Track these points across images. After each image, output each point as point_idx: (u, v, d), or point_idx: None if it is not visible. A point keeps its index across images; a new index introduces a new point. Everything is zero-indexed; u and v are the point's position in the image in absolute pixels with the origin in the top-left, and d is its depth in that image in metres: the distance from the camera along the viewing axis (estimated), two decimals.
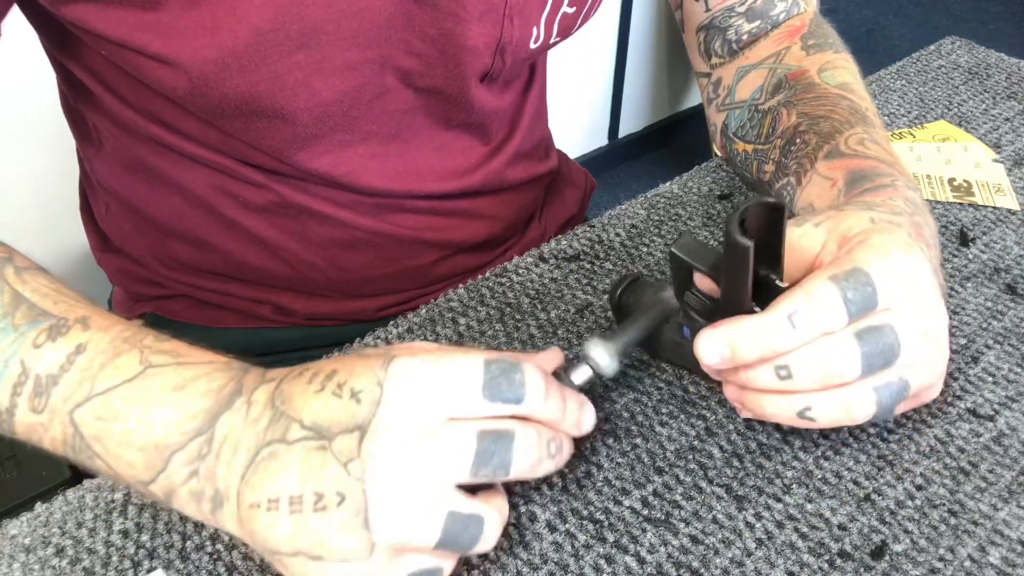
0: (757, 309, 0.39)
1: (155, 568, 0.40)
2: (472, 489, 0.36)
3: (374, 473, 0.33)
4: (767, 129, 0.59)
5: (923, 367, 0.40)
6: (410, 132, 0.58)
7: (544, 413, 0.36)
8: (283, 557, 0.34)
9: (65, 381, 0.36)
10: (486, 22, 0.53)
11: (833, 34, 0.64)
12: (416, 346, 0.36)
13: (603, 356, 0.42)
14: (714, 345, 0.38)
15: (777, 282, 0.40)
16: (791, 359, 0.38)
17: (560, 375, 0.42)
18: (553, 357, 0.44)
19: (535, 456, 0.36)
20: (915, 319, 0.39)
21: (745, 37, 0.64)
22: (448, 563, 0.36)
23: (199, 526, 0.41)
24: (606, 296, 0.55)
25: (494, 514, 0.36)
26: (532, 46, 0.57)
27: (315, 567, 0.33)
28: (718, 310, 0.41)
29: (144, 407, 0.35)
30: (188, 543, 0.41)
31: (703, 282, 0.43)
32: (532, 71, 0.67)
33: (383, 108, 0.55)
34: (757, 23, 0.64)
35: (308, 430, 0.34)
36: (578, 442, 0.45)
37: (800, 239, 0.42)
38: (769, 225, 0.38)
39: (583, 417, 0.39)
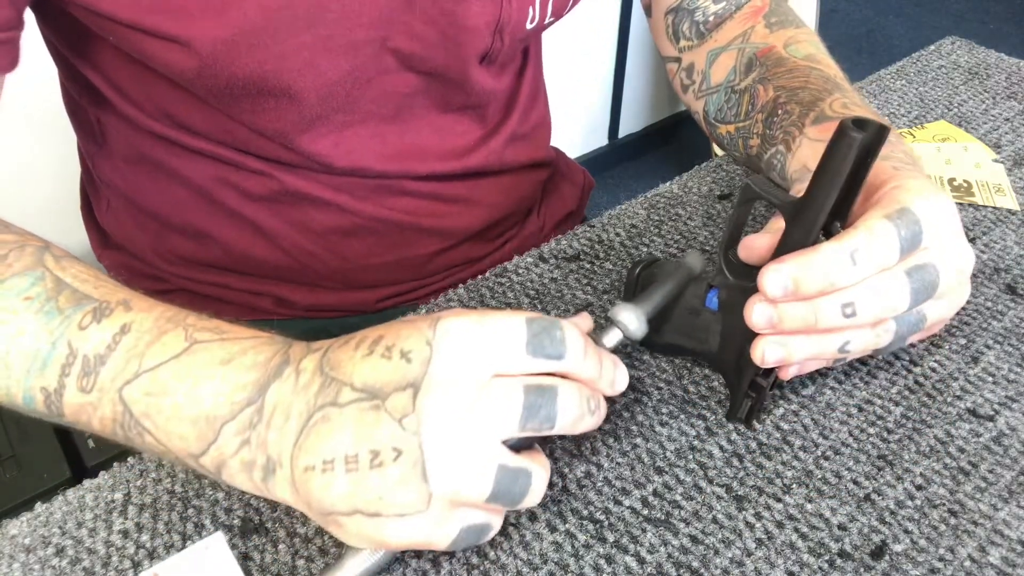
0: (823, 238, 0.41)
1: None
2: (515, 451, 0.36)
3: (429, 426, 0.33)
4: (746, 107, 0.61)
5: (947, 302, 0.44)
6: (410, 114, 0.59)
7: (583, 370, 0.37)
8: (339, 517, 0.34)
9: (112, 360, 0.37)
10: (485, 1, 0.54)
11: (792, 11, 0.66)
12: (460, 309, 0.37)
13: (631, 319, 0.43)
14: (779, 277, 0.40)
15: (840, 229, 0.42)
16: (856, 297, 0.40)
17: (592, 338, 0.42)
18: (583, 321, 0.44)
19: (577, 410, 0.36)
20: (951, 257, 0.42)
21: (712, 18, 0.66)
22: (497, 519, 0.37)
23: (199, 526, 0.41)
24: (606, 296, 0.55)
25: (540, 469, 0.37)
26: (528, 26, 0.58)
27: (371, 524, 0.34)
28: (776, 253, 0.42)
29: (193, 381, 0.36)
30: (188, 543, 0.41)
31: (747, 252, 0.44)
32: (525, 55, 0.68)
33: (383, 89, 0.56)
34: (723, 4, 0.66)
35: (360, 392, 0.34)
36: (578, 442, 0.45)
37: None
38: (860, 154, 0.39)
39: (618, 376, 0.39)
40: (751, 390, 0.44)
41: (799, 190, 0.45)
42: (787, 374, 0.45)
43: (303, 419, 0.35)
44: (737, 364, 0.45)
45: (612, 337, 0.43)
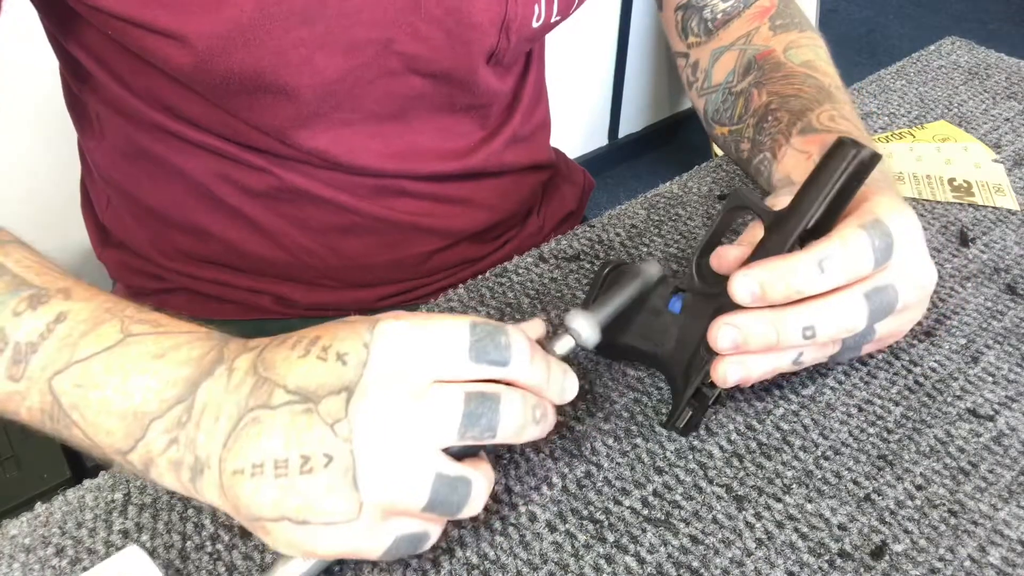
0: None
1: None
2: (457, 459, 0.35)
3: (362, 433, 0.32)
4: (740, 110, 0.62)
5: (903, 318, 0.44)
6: (414, 114, 0.59)
7: (529, 378, 0.36)
8: (267, 523, 0.33)
9: (44, 349, 0.36)
10: None
11: (800, 13, 0.66)
12: (401, 312, 0.36)
13: (584, 327, 0.42)
14: (748, 282, 0.40)
15: None
16: (816, 320, 0.40)
17: (543, 345, 0.41)
18: (535, 327, 0.43)
19: (520, 420, 0.35)
20: (913, 274, 0.42)
21: (720, 16, 0.66)
22: (435, 528, 0.36)
23: (199, 526, 0.41)
24: None
25: (481, 477, 0.35)
26: (534, 24, 0.58)
27: (300, 532, 0.33)
28: (748, 262, 0.42)
29: (123, 375, 0.35)
30: (188, 543, 0.41)
31: (719, 262, 0.44)
32: (528, 56, 0.68)
33: (387, 90, 0.56)
34: (732, 1, 0.66)
35: (293, 394, 0.33)
36: (578, 442, 0.45)
37: None
38: (851, 173, 0.40)
39: (567, 385, 0.38)
40: (694, 399, 0.44)
41: (774, 204, 0.45)
42: (725, 382, 0.44)
43: (233, 420, 0.34)
44: (686, 369, 0.44)
45: (564, 344, 0.42)
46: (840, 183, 0.40)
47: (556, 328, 0.42)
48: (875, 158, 0.40)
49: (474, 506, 0.35)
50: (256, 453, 0.33)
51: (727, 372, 0.41)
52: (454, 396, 0.34)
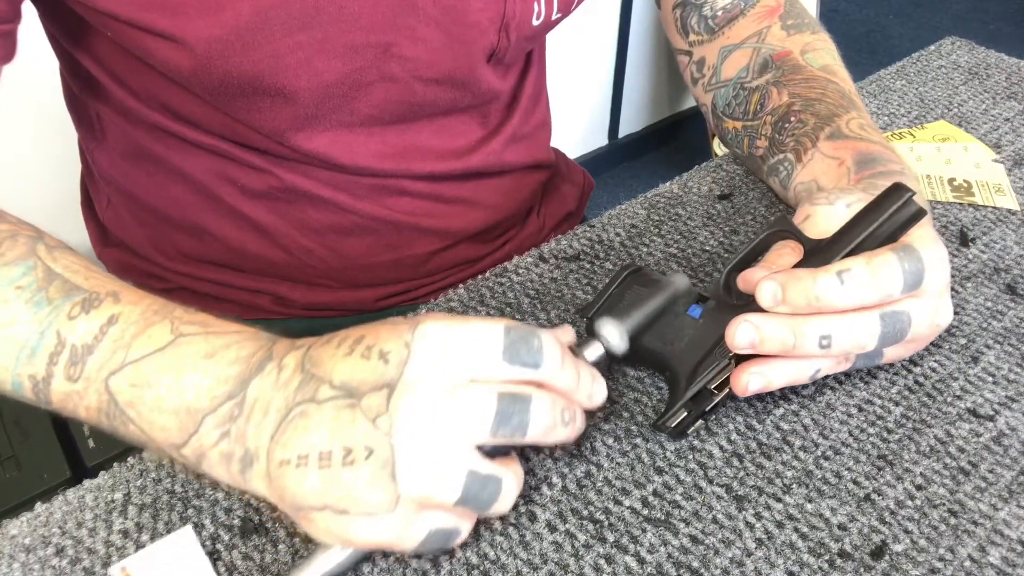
0: None
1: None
2: (490, 457, 0.37)
3: (402, 427, 0.34)
4: (755, 106, 0.61)
5: (910, 347, 0.46)
6: (413, 117, 0.59)
7: (559, 381, 0.37)
8: (310, 512, 0.35)
9: (99, 350, 0.38)
10: None
11: (808, 14, 0.66)
12: (440, 314, 0.37)
13: (614, 334, 0.43)
14: (770, 285, 0.41)
15: None
16: (834, 330, 0.41)
17: (573, 351, 0.42)
18: (565, 333, 0.44)
19: (550, 421, 0.36)
20: (931, 311, 0.42)
21: (720, 14, 0.66)
22: (466, 524, 0.37)
23: (199, 526, 0.41)
24: None
25: (511, 476, 0.37)
26: (535, 23, 0.58)
27: (340, 521, 0.34)
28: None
29: (176, 374, 0.37)
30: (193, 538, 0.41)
31: (745, 284, 0.45)
32: (529, 56, 0.68)
33: (386, 96, 0.56)
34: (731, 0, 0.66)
35: (337, 390, 0.35)
36: (578, 442, 0.45)
37: (831, 219, 0.45)
38: (899, 220, 0.42)
39: (595, 389, 0.40)
40: (692, 400, 0.44)
41: (801, 214, 0.46)
42: (745, 391, 0.44)
43: (281, 414, 0.35)
44: (694, 370, 0.44)
45: (593, 351, 0.43)
46: (887, 224, 0.41)
47: (580, 334, 0.43)
48: (921, 213, 0.42)
49: (504, 504, 0.37)
50: (302, 445, 0.34)
51: (749, 381, 0.42)
52: (488, 395, 0.35)
